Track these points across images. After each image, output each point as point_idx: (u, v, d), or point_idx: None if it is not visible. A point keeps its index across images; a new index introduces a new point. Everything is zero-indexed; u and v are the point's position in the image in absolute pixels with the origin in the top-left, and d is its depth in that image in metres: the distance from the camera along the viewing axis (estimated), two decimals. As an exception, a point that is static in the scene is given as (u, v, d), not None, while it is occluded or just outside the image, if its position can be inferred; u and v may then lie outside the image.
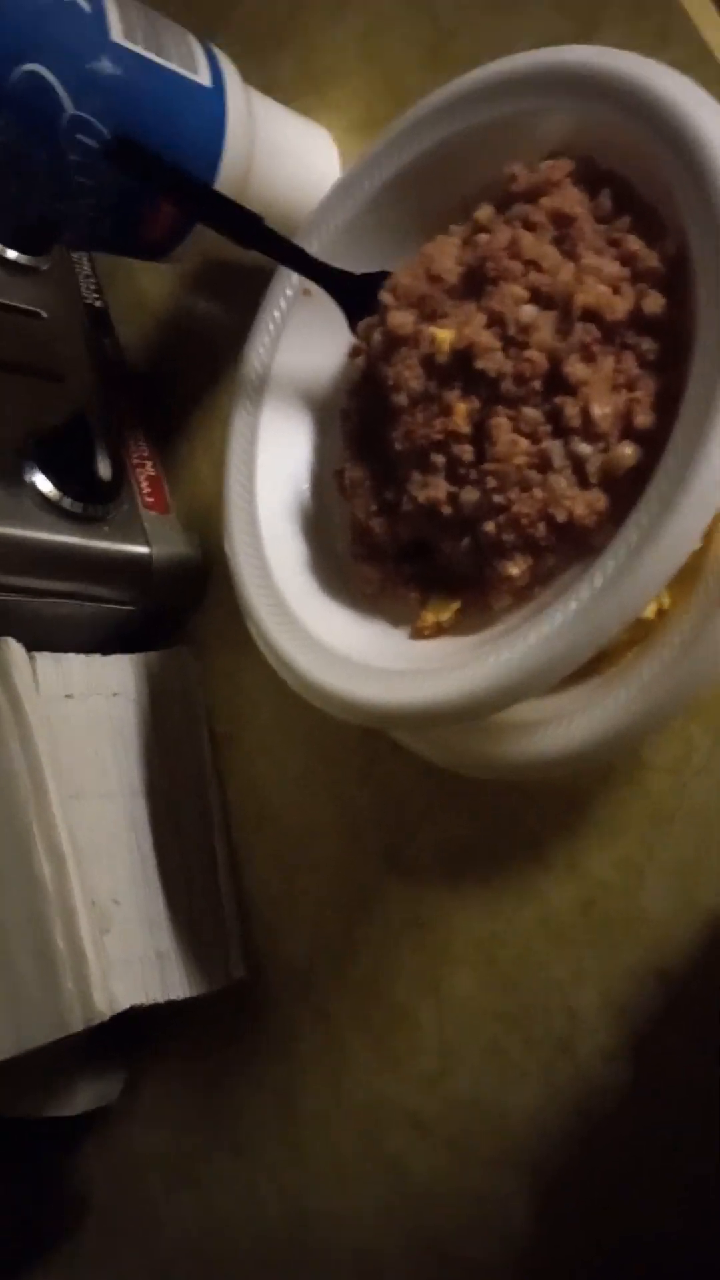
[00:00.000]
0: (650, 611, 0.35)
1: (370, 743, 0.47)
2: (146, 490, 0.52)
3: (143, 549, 0.50)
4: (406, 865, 0.46)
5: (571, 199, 0.33)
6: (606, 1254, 0.39)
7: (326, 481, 0.40)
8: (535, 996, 0.41)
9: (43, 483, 0.47)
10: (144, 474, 0.52)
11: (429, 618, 0.36)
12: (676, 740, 0.38)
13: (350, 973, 0.48)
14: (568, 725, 0.36)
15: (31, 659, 0.49)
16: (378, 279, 0.37)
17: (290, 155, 0.43)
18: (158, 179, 0.38)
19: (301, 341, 0.40)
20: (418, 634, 0.36)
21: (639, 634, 0.36)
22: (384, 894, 0.47)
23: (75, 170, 0.39)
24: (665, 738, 0.38)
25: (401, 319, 0.35)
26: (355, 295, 0.38)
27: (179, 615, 0.54)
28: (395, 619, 0.38)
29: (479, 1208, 0.43)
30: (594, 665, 0.36)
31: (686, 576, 0.35)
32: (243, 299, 0.43)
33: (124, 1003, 0.46)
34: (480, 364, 0.32)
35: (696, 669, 0.34)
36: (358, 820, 0.48)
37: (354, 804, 0.48)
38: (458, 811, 0.44)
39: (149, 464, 0.53)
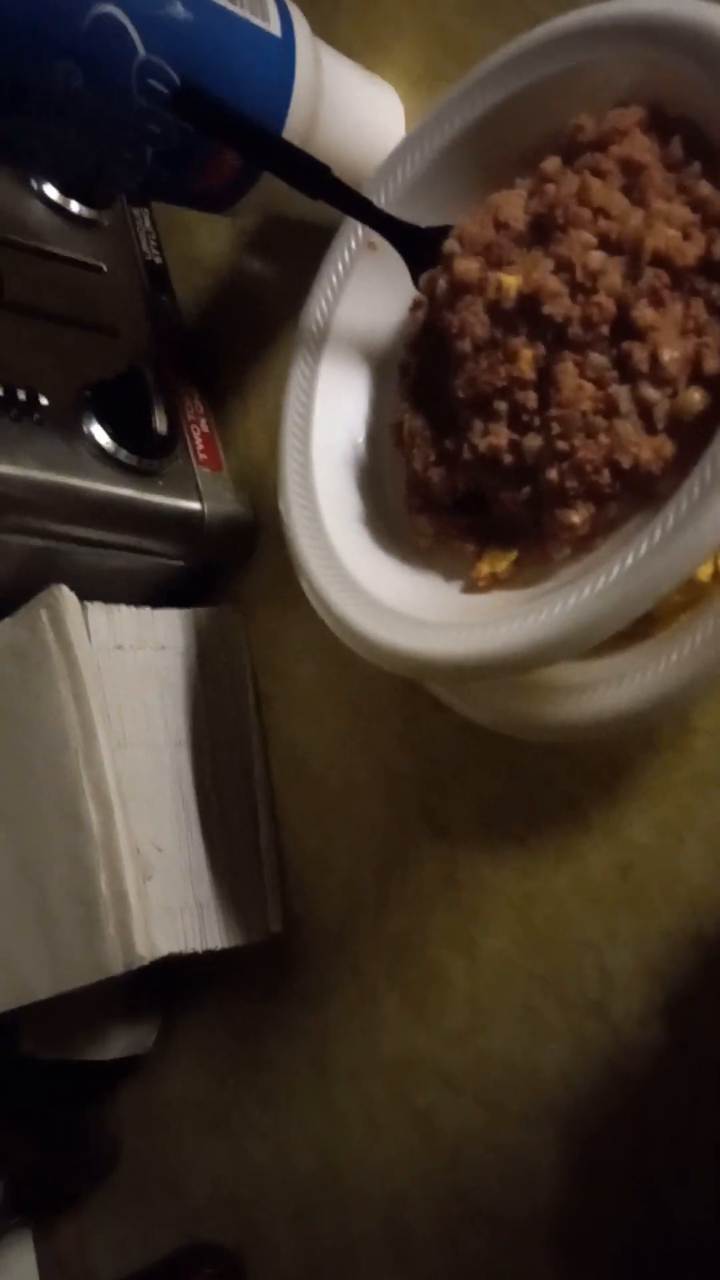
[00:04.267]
0: (704, 574, 0.34)
1: (410, 702, 0.46)
2: (200, 447, 0.51)
3: (195, 505, 0.49)
4: (443, 824, 0.45)
5: (641, 147, 0.31)
6: (636, 1215, 0.38)
7: (382, 435, 0.39)
8: (569, 957, 0.40)
9: (100, 434, 0.47)
10: (198, 431, 0.52)
11: (484, 569, 0.35)
12: (724, 704, 0.37)
13: (385, 929, 0.47)
14: (616, 687, 0.35)
15: (84, 608, 0.48)
16: (443, 232, 0.36)
17: (356, 109, 0.42)
18: (225, 127, 0.37)
19: (363, 295, 0.39)
20: (472, 586, 0.35)
21: (692, 596, 0.35)
22: (420, 852, 0.46)
23: (143, 116, 0.38)
24: (713, 702, 0.37)
25: (467, 265, 0.34)
26: (420, 248, 0.36)
27: (226, 574, 0.54)
28: (449, 573, 0.37)
29: (508, 1165, 0.42)
30: (645, 628, 0.35)
31: (743, 539, 0.34)
32: (299, 259, 0.42)
33: (163, 949, 0.46)
34: (547, 309, 0.30)
35: (749, 633, 0.33)
36: (396, 779, 0.47)
37: (392, 763, 0.47)
38: (496, 772, 0.43)
39: (203, 421, 0.52)
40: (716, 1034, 0.36)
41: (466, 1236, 0.44)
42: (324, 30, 0.46)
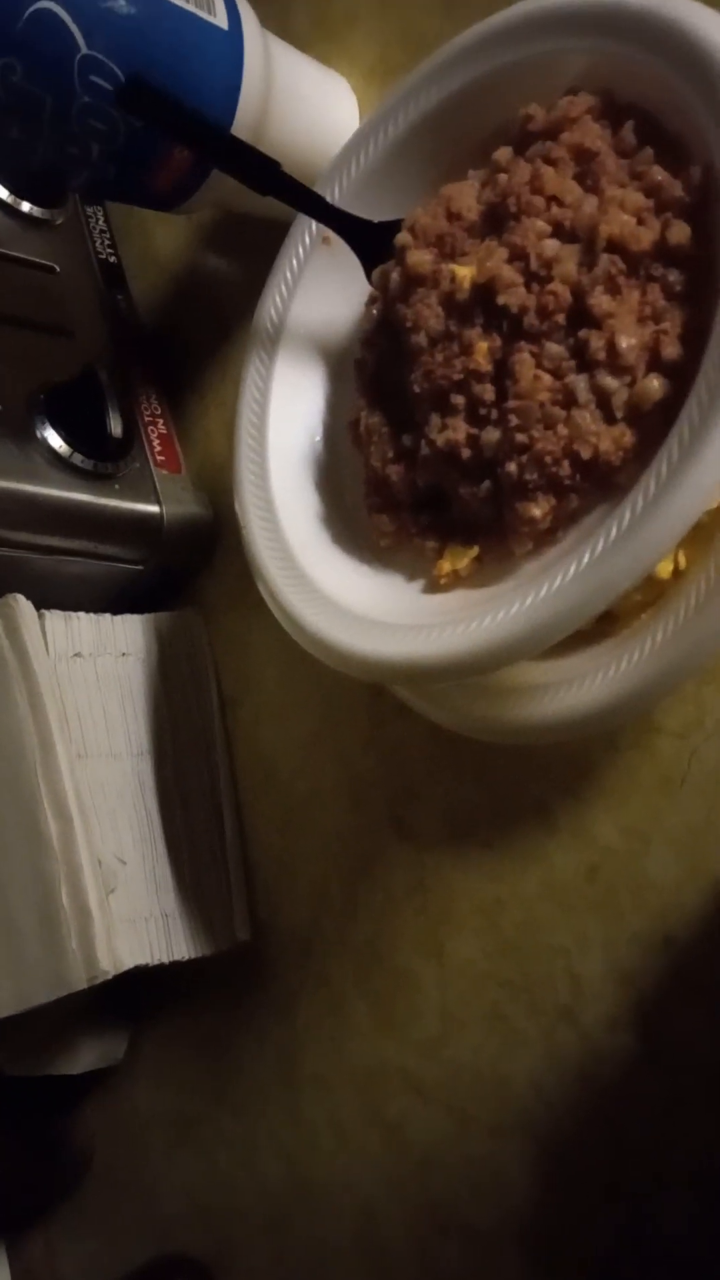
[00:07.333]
0: (665, 572, 0.33)
1: (377, 707, 0.45)
2: (158, 449, 0.49)
3: (153, 508, 0.48)
4: (410, 829, 0.44)
5: (592, 134, 0.30)
6: (610, 1221, 0.37)
7: (339, 433, 0.38)
8: (538, 963, 0.39)
9: (54, 438, 0.45)
10: (155, 432, 0.50)
11: (446, 566, 0.33)
12: (688, 704, 0.36)
13: (352, 936, 0.45)
14: (578, 688, 0.34)
15: (41, 617, 0.47)
16: (396, 226, 0.35)
17: (308, 102, 0.41)
18: (172, 122, 0.36)
19: (317, 292, 0.38)
20: (434, 585, 0.34)
21: (652, 595, 0.34)
22: (388, 858, 0.44)
23: (86, 113, 0.36)
24: (676, 701, 0.36)
25: (420, 257, 0.32)
26: (373, 242, 0.35)
27: (188, 576, 0.52)
28: (410, 573, 0.35)
29: (480, 1174, 0.41)
30: (606, 627, 0.34)
31: (702, 537, 0.32)
32: (256, 254, 0.41)
33: (128, 962, 0.44)
34: (502, 299, 0.29)
35: (709, 632, 0.31)
36: (362, 784, 0.45)
37: (359, 768, 0.46)
38: (463, 776, 0.42)
39: (160, 422, 0.51)
40: (688, 1039, 0.35)
41: (438, 1246, 0.42)
42: (276, 22, 0.44)
